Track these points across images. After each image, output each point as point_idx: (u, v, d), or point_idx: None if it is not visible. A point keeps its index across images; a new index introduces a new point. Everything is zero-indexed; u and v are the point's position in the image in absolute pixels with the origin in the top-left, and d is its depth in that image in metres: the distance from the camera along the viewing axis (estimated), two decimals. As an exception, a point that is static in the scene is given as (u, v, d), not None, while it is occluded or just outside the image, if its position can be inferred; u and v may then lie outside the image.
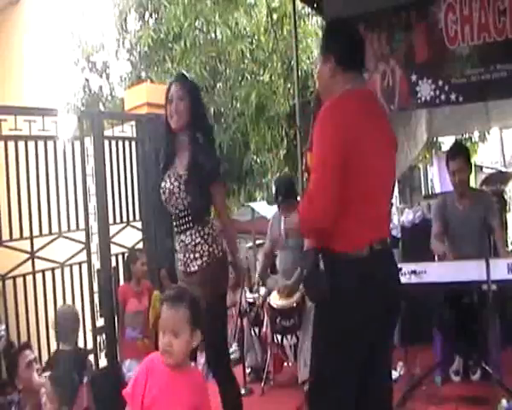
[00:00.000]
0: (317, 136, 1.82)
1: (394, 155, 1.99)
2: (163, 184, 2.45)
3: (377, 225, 1.87)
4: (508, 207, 6.20)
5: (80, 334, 3.96)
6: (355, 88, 1.88)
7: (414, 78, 4.19)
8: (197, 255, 2.39)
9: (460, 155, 3.36)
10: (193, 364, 1.91)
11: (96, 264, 4.15)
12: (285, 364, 4.05)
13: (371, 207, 1.83)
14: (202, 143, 2.44)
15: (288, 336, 3.83)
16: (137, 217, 4.54)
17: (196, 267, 2.39)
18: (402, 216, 4.73)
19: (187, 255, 2.41)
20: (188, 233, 2.39)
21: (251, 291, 4.61)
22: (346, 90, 1.86)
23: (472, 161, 3.54)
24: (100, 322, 4.13)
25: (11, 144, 3.63)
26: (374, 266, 1.81)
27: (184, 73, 2.72)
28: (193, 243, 2.39)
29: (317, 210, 1.77)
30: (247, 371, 3.96)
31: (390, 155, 1.96)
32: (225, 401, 2.50)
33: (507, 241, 5.11)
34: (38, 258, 3.73)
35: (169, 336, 1.70)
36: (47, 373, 2.90)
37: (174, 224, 2.48)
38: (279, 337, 3.86)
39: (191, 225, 2.39)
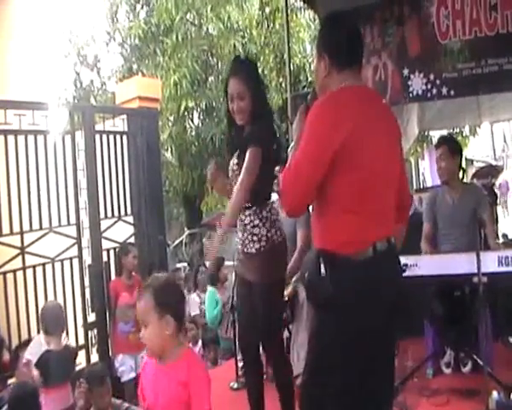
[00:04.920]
0: (307, 132, 1.76)
1: (398, 149, 1.94)
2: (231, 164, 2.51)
3: (380, 222, 1.80)
4: (498, 200, 6.23)
5: (71, 329, 3.95)
6: (352, 85, 1.82)
7: (406, 72, 4.19)
8: (255, 238, 2.42)
9: (443, 143, 3.40)
10: (189, 346, 1.93)
11: (88, 259, 4.13)
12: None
13: (373, 204, 1.77)
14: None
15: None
16: (129, 211, 4.52)
17: (254, 251, 2.43)
18: (394, 210, 4.73)
19: (245, 235, 2.45)
20: (246, 213, 2.42)
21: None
22: (342, 87, 1.81)
23: (462, 153, 3.53)
24: (91, 317, 4.12)
25: (0, 139, 3.60)
26: (377, 270, 1.74)
27: (241, 58, 2.62)
28: (251, 224, 2.42)
29: (288, 201, 1.76)
30: (240, 364, 3.96)
31: (393, 149, 1.90)
32: (279, 386, 2.55)
33: (497, 234, 5.14)
34: (29, 253, 3.71)
35: (143, 328, 1.76)
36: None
37: None
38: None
39: (250, 205, 2.41)
